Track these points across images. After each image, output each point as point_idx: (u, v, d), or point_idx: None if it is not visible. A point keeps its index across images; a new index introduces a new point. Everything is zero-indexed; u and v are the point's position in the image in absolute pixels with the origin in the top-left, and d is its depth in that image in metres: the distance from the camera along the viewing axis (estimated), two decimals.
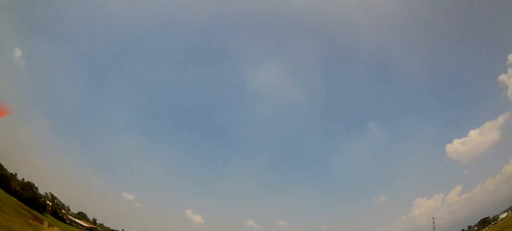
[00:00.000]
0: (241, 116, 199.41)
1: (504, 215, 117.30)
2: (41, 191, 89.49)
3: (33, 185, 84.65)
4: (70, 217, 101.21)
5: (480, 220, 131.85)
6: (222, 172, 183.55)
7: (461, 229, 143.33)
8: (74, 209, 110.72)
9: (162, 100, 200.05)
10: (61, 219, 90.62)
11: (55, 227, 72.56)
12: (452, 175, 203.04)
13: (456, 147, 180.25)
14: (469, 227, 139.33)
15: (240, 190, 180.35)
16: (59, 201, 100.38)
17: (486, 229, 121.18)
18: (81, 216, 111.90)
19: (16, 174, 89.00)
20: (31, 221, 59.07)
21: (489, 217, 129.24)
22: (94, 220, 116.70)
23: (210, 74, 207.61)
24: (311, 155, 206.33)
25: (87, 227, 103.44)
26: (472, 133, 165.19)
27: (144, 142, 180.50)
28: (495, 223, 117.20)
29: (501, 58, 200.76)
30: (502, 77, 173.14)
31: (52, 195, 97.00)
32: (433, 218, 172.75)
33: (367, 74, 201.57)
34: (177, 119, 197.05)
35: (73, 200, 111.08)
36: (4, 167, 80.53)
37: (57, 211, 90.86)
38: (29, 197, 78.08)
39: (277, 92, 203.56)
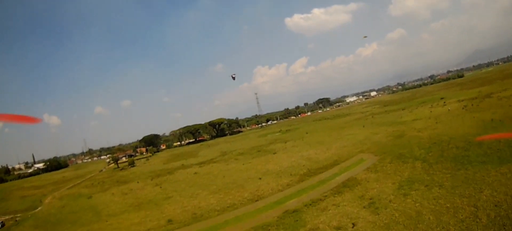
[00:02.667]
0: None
1: (352, 99, 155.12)
2: None
3: None
4: None
5: (318, 99, 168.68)
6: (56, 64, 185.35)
7: (296, 105, 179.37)
8: None
9: None
10: None
11: None
12: (296, 47, 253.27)
13: (297, 21, 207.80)
14: (306, 104, 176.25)
15: (79, 81, 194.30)
16: None
17: (328, 109, 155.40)
18: None
19: None
20: None
21: (329, 98, 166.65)
22: None
23: None
24: (141, 30, 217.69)
25: None
26: (316, 11, 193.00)
27: None
28: (339, 105, 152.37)
29: None
30: None
31: None
32: (256, 94, 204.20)
33: None
34: None
35: None
36: None
37: None
38: None
39: None
